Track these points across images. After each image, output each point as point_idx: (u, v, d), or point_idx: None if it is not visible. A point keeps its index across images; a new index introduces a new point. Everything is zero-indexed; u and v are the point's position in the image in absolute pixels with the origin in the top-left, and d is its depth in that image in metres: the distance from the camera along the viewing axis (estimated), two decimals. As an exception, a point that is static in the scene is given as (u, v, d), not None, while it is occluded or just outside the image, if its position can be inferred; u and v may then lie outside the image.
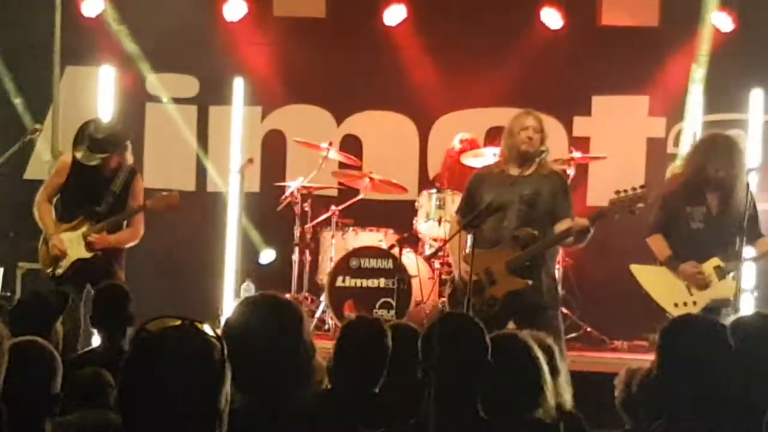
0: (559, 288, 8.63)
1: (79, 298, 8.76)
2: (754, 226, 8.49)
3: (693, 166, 8.60)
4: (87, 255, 9.33)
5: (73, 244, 9.35)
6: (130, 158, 9.74)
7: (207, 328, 3.07)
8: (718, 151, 8.48)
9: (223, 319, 4.01)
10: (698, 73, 12.05)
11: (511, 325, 8.11)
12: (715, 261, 8.26)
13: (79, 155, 9.50)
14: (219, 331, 3.56)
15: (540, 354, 4.70)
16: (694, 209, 8.49)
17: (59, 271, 9.36)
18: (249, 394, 3.75)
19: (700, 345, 4.15)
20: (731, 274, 8.35)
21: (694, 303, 8.29)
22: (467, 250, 8.46)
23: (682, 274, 8.41)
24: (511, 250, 8.26)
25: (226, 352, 3.08)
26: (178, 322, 3.07)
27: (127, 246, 9.54)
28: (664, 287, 8.49)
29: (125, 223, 9.48)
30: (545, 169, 8.44)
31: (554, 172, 8.60)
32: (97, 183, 9.47)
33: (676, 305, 8.29)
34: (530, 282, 8.21)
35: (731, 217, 8.35)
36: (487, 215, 8.43)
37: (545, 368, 4.66)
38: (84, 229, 9.37)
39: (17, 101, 12.09)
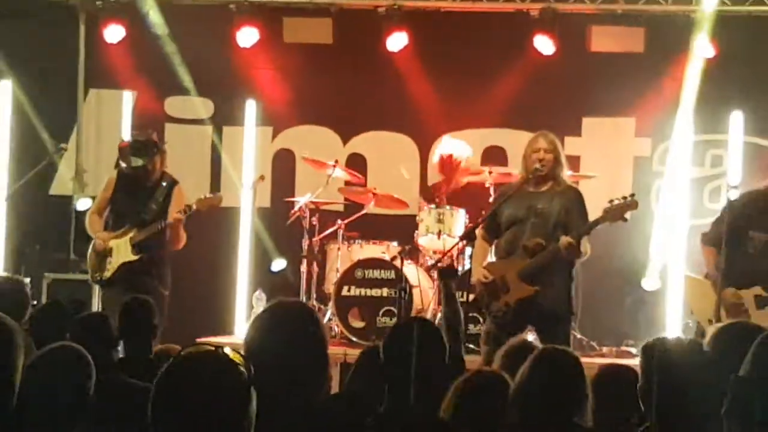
0: (574, 297, 8.75)
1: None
2: None
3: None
4: (133, 257, 9.63)
5: (120, 249, 9.66)
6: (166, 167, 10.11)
7: (232, 353, 3.07)
8: None
9: (246, 324, 3.96)
10: (682, 96, 11.94)
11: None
12: (757, 290, 8.23)
13: (125, 162, 9.89)
14: (245, 332, 3.88)
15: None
16: (756, 235, 8.48)
17: (106, 274, 9.72)
18: (266, 393, 3.54)
19: (675, 365, 4.20)
20: None
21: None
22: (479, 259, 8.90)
23: (723, 299, 8.35)
24: (522, 259, 8.48)
25: (251, 375, 3.07)
26: (209, 349, 3.08)
27: (171, 248, 9.85)
28: (705, 302, 8.47)
29: (168, 232, 9.73)
30: (560, 185, 8.66)
31: (569, 188, 8.77)
32: (142, 193, 9.82)
33: (710, 321, 8.21)
34: (538, 289, 8.39)
35: None
36: (490, 227, 8.81)
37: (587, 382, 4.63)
38: (131, 234, 9.68)
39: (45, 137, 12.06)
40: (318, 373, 3.88)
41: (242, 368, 3.08)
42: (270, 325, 3.89)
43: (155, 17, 12.06)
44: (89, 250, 9.95)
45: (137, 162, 9.77)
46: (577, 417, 4.55)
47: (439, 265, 9.79)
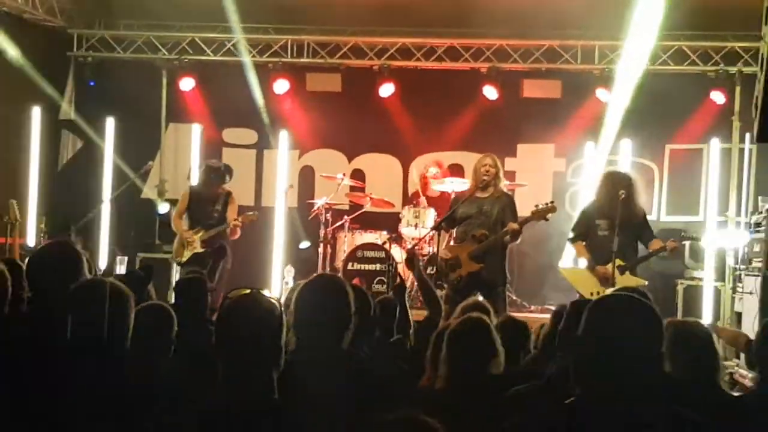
0: (507, 271, 8.62)
1: None
2: (648, 231, 8.53)
3: (602, 193, 8.53)
4: (201, 250, 9.92)
5: (193, 243, 10.01)
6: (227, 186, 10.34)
7: (269, 293, 3.14)
8: (619, 182, 8.42)
9: (294, 293, 3.80)
10: (588, 127, 12.13)
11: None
12: (618, 261, 8.16)
13: (206, 176, 10.20)
14: (293, 297, 3.75)
15: (492, 326, 4.46)
16: (601, 221, 8.43)
17: (183, 259, 9.98)
18: (305, 344, 3.60)
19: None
20: (627, 272, 8.27)
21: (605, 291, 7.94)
22: (444, 244, 8.75)
23: (597, 273, 8.33)
24: (471, 244, 8.46)
25: (283, 309, 3.12)
26: (249, 291, 3.13)
27: (230, 239, 9.98)
28: (583, 282, 8.38)
29: (228, 230, 9.99)
30: (498, 192, 8.63)
31: (505, 194, 8.73)
32: (207, 204, 10.10)
33: (592, 294, 8.07)
34: (483, 265, 8.38)
35: (629, 227, 8.28)
36: (449, 221, 8.73)
37: (497, 338, 4.41)
38: (201, 234, 10.03)
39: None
40: (345, 325, 3.69)
41: (277, 303, 3.10)
42: (317, 289, 3.74)
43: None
44: (175, 242, 10.27)
45: (216, 180, 10.16)
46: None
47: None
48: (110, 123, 12.61)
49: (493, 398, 4.05)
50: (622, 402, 2.70)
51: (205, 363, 3.23)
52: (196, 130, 12.94)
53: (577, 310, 4.20)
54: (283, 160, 12.83)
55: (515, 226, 8.34)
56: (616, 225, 8.17)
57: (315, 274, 3.95)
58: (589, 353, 2.77)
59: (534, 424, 2.89)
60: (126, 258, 11.33)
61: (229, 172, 10.37)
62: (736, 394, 4.72)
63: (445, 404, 3.96)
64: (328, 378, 3.50)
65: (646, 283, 8.26)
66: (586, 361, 2.78)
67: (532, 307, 11.52)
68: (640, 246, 8.60)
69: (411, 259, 7.34)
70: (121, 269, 10.98)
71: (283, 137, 12.83)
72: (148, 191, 12.71)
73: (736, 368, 7.77)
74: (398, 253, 11.24)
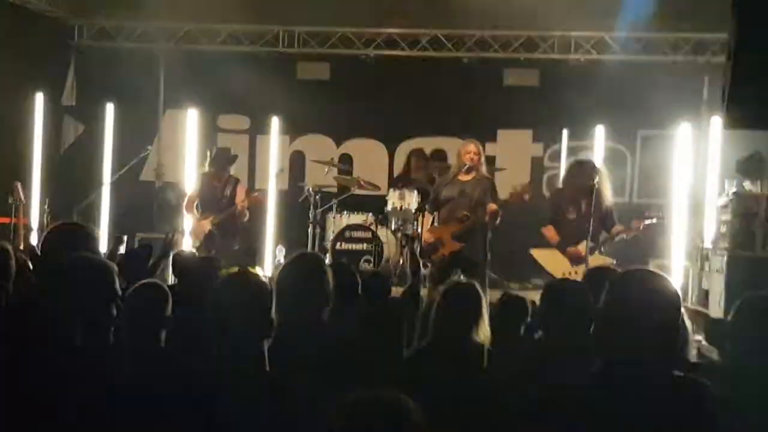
0: (488, 250, 8.57)
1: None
2: (611, 218, 8.58)
3: (572, 179, 8.64)
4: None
5: (206, 227, 9.94)
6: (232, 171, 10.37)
7: (260, 272, 3.20)
8: (589, 170, 8.53)
9: (278, 268, 3.91)
10: (564, 114, 12.11)
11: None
12: (589, 243, 8.24)
13: (210, 168, 10.27)
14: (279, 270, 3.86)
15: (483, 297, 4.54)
16: (570, 207, 8.51)
17: (197, 243, 9.98)
18: (288, 318, 3.60)
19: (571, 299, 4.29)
20: (596, 252, 8.36)
21: (576, 272, 8.16)
22: (427, 225, 8.74)
23: (568, 254, 8.40)
24: (455, 225, 8.45)
25: (273, 286, 3.22)
26: (239, 269, 3.24)
27: (239, 221, 10.06)
28: (554, 263, 8.41)
29: (236, 213, 9.95)
30: (480, 175, 8.59)
31: (486, 177, 8.70)
32: (216, 191, 10.12)
33: (563, 274, 8.21)
34: (465, 245, 8.36)
35: (596, 212, 8.33)
36: (433, 204, 8.71)
37: (485, 305, 4.50)
38: (211, 218, 9.96)
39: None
40: (324, 299, 3.82)
41: (267, 281, 3.20)
42: (296, 266, 3.88)
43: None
44: (189, 230, 10.30)
45: (226, 163, 10.19)
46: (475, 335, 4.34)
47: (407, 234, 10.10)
48: (110, 109, 12.51)
49: (474, 365, 4.10)
50: (644, 371, 2.72)
51: (201, 338, 3.26)
52: (192, 116, 12.80)
53: (551, 292, 4.49)
54: (274, 145, 12.76)
55: (495, 207, 8.35)
56: (592, 207, 8.23)
57: (296, 252, 4.03)
58: (612, 324, 2.78)
59: (554, 395, 2.86)
60: (125, 237, 11.27)
61: (235, 158, 10.45)
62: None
63: (424, 365, 4.07)
64: (309, 348, 3.55)
65: (615, 261, 8.21)
66: (609, 331, 2.78)
67: (512, 285, 11.23)
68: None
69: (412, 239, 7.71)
70: (120, 248, 10.94)
71: (275, 123, 12.74)
72: (147, 174, 12.67)
73: (702, 343, 7.79)
74: (384, 234, 11.22)
